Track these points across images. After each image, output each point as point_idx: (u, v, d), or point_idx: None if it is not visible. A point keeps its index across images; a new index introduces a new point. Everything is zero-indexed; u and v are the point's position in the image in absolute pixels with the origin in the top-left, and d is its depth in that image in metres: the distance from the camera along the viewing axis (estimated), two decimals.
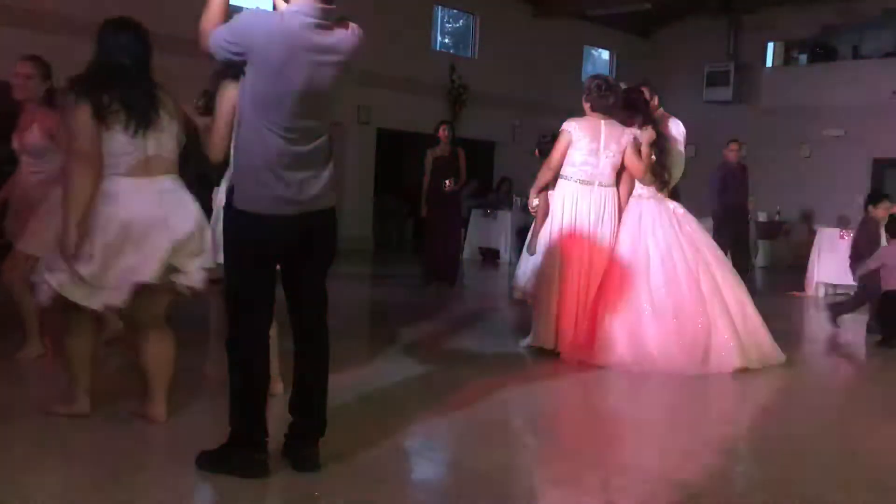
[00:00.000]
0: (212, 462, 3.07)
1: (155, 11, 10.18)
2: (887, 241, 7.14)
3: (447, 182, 8.93)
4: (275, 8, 3.05)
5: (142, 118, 3.41)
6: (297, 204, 2.99)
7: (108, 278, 3.36)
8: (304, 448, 3.13)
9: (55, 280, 3.37)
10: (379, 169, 14.50)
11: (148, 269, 3.38)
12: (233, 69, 3.09)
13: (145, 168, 3.44)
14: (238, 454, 3.03)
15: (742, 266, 8.64)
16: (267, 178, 2.93)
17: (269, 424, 3.08)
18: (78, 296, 3.38)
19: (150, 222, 3.39)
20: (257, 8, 3.09)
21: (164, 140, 3.50)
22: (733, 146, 9.85)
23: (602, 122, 5.52)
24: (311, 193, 3.02)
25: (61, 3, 10.13)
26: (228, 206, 3.02)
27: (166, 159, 3.52)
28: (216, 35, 2.94)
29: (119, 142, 3.37)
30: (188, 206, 3.50)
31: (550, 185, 5.75)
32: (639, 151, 5.53)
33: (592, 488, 3.28)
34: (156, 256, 3.38)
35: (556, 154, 5.59)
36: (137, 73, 3.46)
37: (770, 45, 17.74)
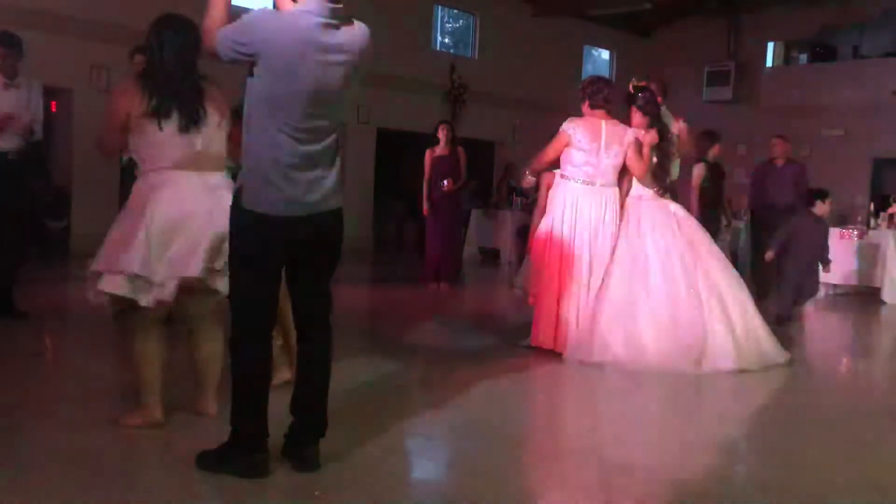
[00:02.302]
0: (212, 462, 3.07)
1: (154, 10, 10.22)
2: None
3: (445, 182, 8.96)
4: (276, 7, 3.05)
5: (189, 115, 3.46)
6: (306, 205, 3.00)
7: (156, 272, 3.34)
8: (304, 448, 3.13)
9: (103, 277, 3.38)
10: (379, 169, 14.49)
11: (193, 264, 3.37)
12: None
13: (194, 163, 3.47)
14: (238, 454, 3.03)
15: (761, 284, 8.31)
16: (276, 178, 2.94)
17: (269, 424, 3.08)
18: (126, 290, 3.36)
19: (195, 216, 3.40)
20: (265, 8, 3.08)
21: (214, 136, 3.55)
22: (771, 142, 9.44)
23: (603, 122, 5.52)
24: (319, 194, 3.02)
25: (59, 3, 10.14)
26: (236, 205, 3.02)
27: (215, 156, 3.55)
28: (222, 35, 2.93)
29: (167, 135, 3.41)
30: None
31: (545, 174, 5.78)
32: (641, 152, 5.54)
33: (592, 488, 3.28)
34: (200, 250, 3.38)
35: (549, 151, 5.62)
36: (183, 69, 3.49)
37: (770, 45, 17.72)
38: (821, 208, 7.73)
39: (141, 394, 3.57)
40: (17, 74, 5.79)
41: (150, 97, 3.41)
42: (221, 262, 3.41)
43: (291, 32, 2.88)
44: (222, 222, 3.25)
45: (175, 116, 3.43)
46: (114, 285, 3.35)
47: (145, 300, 3.37)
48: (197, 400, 3.73)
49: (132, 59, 5.61)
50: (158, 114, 3.41)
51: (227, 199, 3.33)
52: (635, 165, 5.53)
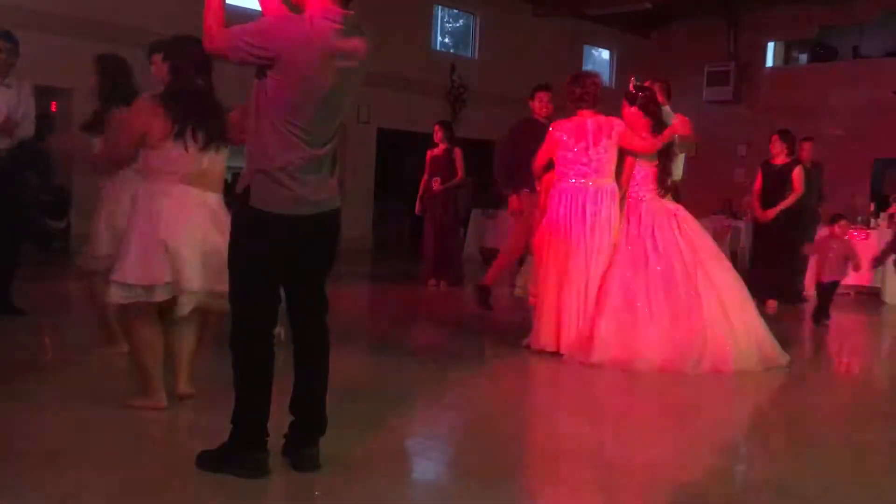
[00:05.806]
0: (212, 461, 3.07)
1: (154, 10, 10.22)
2: None
3: (435, 180, 9.08)
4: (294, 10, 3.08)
5: (206, 136, 3.67)
6: (313, 204, 3.04)
7: (191, 280, 3.60)
8: (304, 448, 3.13)
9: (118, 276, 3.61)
10: (379, 169, 14.49)
11: (186, 280, 3.59)
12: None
13: (198, 180, 3.69)
14: (238, 454, 3.03)
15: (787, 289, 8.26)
16: (286, 179, 2.96)
17: (269, 424, 3.08)
18: (165, 295, 3.64)
19: (189, 231, 3.61)
20: (281, 13, 3.10)
21: (218, 158, 3.77)
22: (800, 145, 9.26)
23: (588, 119, 5.53)
24: (326, 193, 3.09)
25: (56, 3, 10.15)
26: (243, 205, 3.02)
27: (217, 177, 3.78)
28: (234, 36, 2.93)
29: (177, 151, 3.61)
30: (224, 225, 3.59)
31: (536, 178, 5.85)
32: (633, 135, 5.54)
33: (592, 488, 3.28)
34: (190, 267, 3.59)
35: (540, 154, 5.73)
36: (206, 89, 3.71)
37: (770, 45, 17.72)
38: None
39: (145, 381, 3.77)
40: (9, 74, 5.90)
41: (176, 119, 3.59)
42: (219, 279, 3.54)
43: (314, 39, 2.91)
44: (213, 242, 3.58)
45: (199, 136, 3.63)
46: (158, 295, 3.60)
47: (161, 295, 3.62)
48: (176, 385, 3.93)
49: (150, 57, 5.60)
50: (184, 134, 3.60)
51: (222, 219, 3.64)
52: (638, 146, 5.52)
